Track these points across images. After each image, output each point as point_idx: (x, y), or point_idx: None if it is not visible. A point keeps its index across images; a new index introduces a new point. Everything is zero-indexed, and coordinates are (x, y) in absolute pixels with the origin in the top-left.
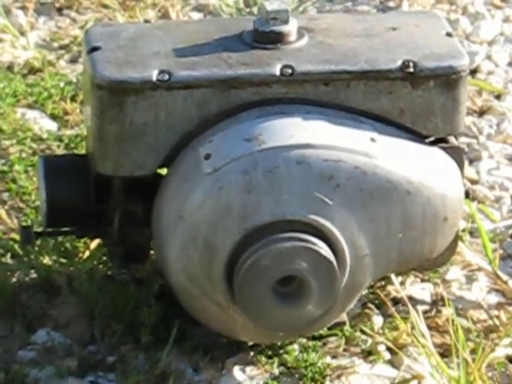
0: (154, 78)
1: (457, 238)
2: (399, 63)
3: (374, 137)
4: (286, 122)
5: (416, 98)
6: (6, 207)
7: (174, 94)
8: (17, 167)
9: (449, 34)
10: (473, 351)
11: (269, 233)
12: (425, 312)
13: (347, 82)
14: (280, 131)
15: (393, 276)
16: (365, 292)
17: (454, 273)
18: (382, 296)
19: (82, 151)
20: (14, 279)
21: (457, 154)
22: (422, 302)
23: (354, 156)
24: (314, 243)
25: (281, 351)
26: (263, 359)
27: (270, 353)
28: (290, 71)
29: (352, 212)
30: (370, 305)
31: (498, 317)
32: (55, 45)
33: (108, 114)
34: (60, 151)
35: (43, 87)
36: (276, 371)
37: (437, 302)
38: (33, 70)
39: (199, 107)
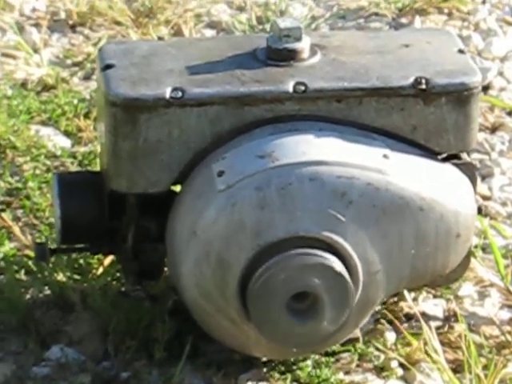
0: (168, 96)
1: (469, 254)
2: (411, 80)
3: (387, 153)
4: (298, 138)
5: (428, 115)
6: (20, 224)
7: (187, 111)
8: (31, 184)
9: (461, 51)
10: (485, 367)
11: (282, 249)
12: (437, 328)
13: (360, 98)
14: (293, 148)
15: (405, 292)
16: (378, 308)
17: (467, 289)
18: (390, 315)
19: (96, 168)
20: (28, 295)
21: (469, 171)
22: (435, 318)
23: (366, 172)
24: (327, 259)
25: (294, 367)
26: (276, 375)
27: (283, 369)
28: (302, 88)
29: (365, 228)
30: (383, 321)
31: (510, 332)
32: (69, 62)
33: (121, 131)
34: (74, 168)
35: (57, 104)
36: None
37: (449, 318)
38: (46, 87)
39: (212, 124)
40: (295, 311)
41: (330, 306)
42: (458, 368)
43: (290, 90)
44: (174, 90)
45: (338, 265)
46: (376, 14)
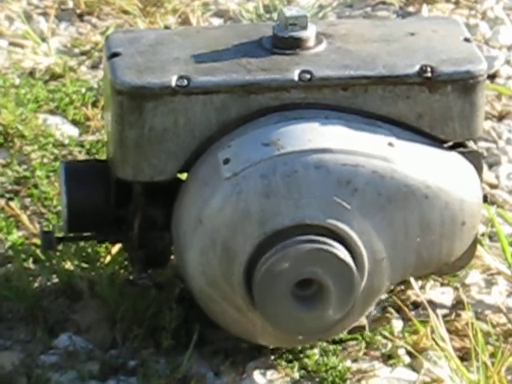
0: (173, 84)
1: (475, 242)
2: (417, 68)
3: (392, 141)
4: (304, 126)
5: (434, 103)
6: (28, 212)
7: (193, 99)
8: (38, 173)
9: (467, 39)
10: (492, 355)
11: (288, 237)
12: (444, 316)
13: (365, 86)
14: (298, 136)
15: (413, 280)
16: (384, 296)
17: (474, 277)
18: (399, 302)
19: (103, 157)
20: (36, 284)
21: (475, 159)
22: (442, 306)
23: (371, 160)
24: (332, 247)
25: (301, 355)
26: (284, 363)
27: (290, 357)
28: (308, 76)
29: (370, 216)
30: (390, 309)
31: None
32: (76, 51)
33: (128, 120)
34: (81, 157)
35: (65, 93)
36: (296, 375)
37: (456, 306)
38: (54, 76)
39: (218, 112)
40: (300, 298)
41: (336, 293)
42: (465, 356)
43: (296, 78)
44: (180, 78)
45: (343, 252)
46: (383, 3)
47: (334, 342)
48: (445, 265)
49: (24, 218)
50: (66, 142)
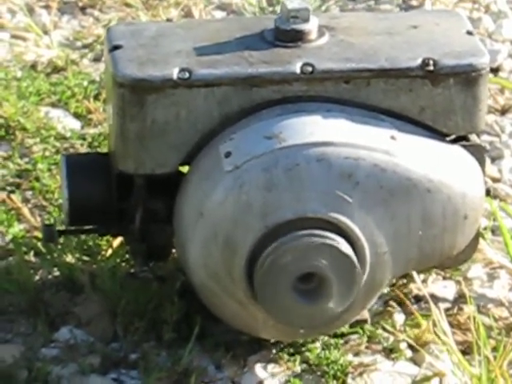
0: (175, 77)
1: (477, 236)
2: (419, 61)
3: (394, 135)
4: (306, 119)
5: (436, 96)
6: (30, 205)
7: (194, 92)
8: (40, 166)
9: (469, 33)
10: (494, 349)
11: (289, 230)
12: (447, 310)
13: (368, 80)
14: (300, 129)
15: (415, 274)
16: (387, 290)
17: (476, 271)
18: (401, 295)
19: (105, 150)
20: (37, 277)
21: (478, 152)
22: (444, 300)
23: (373, 154)
24: (334, 240)
25: (303, 349)
26: (285, 357)
27: (291, 350)
28: (310, 69)
29: (372, 209)
30: (392, 302)
31: None
32: (78, 44)
33: (129, 112)
34: (83, 150)
35: (66, 86)
36: (298, 369)
37: (458, 300)
38: (56, 69)
39: (220, 105)
40: (302, 292)
41: (337, 287)
42: (467, 350)
43: (298, 71)
44: (182, 70)
45: (344, 246)
46: None
47: (336, 336)
48: (447, 258)
49: (25, 210)
50: (68, 134)
